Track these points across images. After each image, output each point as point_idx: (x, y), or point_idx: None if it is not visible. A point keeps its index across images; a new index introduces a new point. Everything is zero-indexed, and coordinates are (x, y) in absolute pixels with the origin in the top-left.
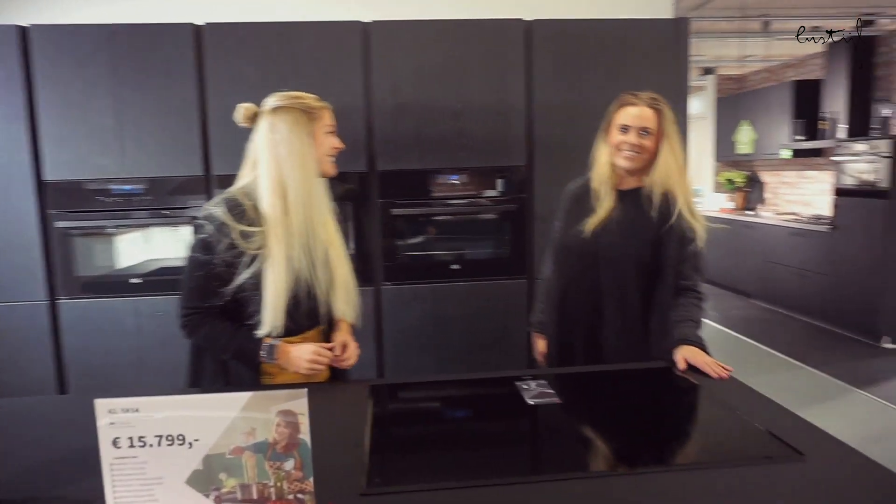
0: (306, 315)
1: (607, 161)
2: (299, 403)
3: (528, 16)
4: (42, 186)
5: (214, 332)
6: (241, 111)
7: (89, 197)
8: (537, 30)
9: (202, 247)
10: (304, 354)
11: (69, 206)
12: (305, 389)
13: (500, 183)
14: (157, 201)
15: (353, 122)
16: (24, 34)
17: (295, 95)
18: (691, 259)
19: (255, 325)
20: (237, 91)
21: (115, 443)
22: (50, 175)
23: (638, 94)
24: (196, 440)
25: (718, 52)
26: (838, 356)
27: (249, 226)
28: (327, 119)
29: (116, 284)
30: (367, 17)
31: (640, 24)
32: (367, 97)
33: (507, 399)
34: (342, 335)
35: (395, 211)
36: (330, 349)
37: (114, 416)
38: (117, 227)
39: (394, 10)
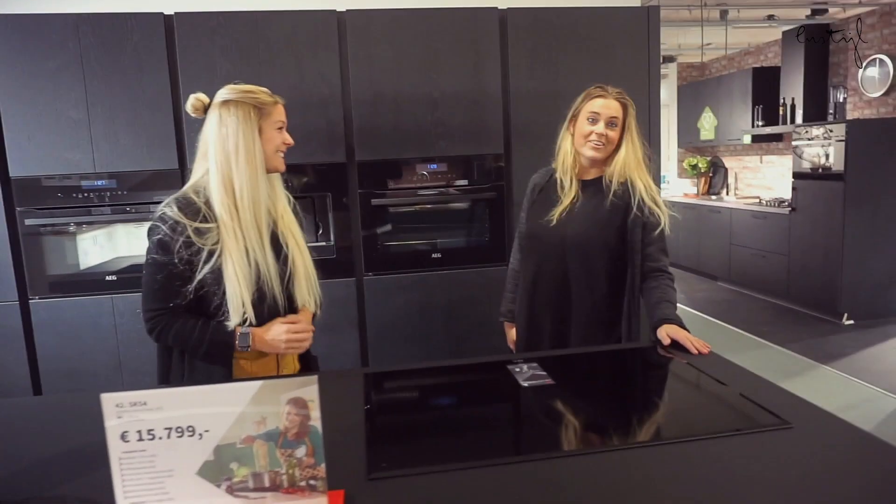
0: (269, 307)
1: (570, 151)
2: (310, 390)
3: (502, 4)
4: (7, 183)
5: (184, 330)
6: (192, 101)
7: (59, 193)
8: (512, 18)
9: (159, 248)
10: (279, 333)
11: (38, 202)
12: (316, 377)
13: (478, 171)
14: (131, 196)
15: (331, 113)
16: None
17: (247, 89)
18: (657, 242)
19: (223, 319)
20: (211, 81)
21: (123, 437)
22: (16, 171)
23: (606, 88)
24: (206, 431)
25: (679, 41)
26: (802, 334)
27: (203, 222)
28: (278, 115)
29: (90, 282)
30: (341, 6)
31: (612, 12)
32: (344, 87)
33: (502, 382)
34: (300, 316)
35: (375, 201)
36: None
37: (121, 411)
38: (89, 223)
39: None
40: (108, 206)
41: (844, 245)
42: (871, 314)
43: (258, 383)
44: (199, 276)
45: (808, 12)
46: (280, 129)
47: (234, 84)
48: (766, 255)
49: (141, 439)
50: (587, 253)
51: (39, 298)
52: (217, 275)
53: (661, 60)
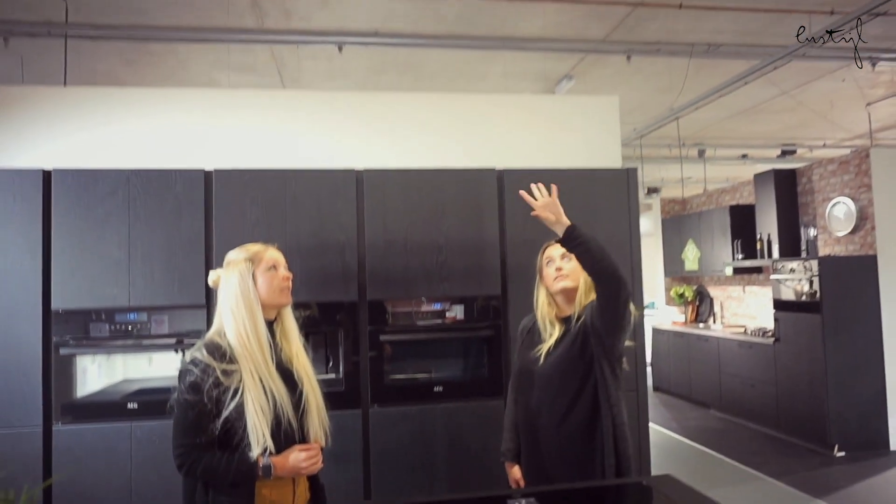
0: (285, 436)
1: (546, 299)
2: None
3: (499, 166)
4: (49, 315)
5: (212, 463)
6: (212, 277)
7: (94, 324)
8: (508, 177)
9: (191, 389)
10: (299, 459)
11: (73, 333)
12: None
13: (477, 310)
14: (160, 328)
15: (346, 257)
16: (47, 177)
17: (241, 248)
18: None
19: (245, 450)
20: (241, 228)
21: None
22: (57, 304)
23: (552, 240)
24: None
25: (662, 175)
26: (794, 465)
27: (229, 363)
28: (268, 258)
29: (110, 409)
30: (360, 166)
31: (596, 172)
32: (360, 234)
33: None
34: (312, 444)
35: (383, 337)
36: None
37: None
38: (121, 352)
39: (384, 159)
40: (139, 337)
41: (827, 375)
42: (861, 445)
43: None
44: (225, 413)
45: (779, 152)
46: (272, 268)
47: (236, 248)
48: (755, 384)
49: None
50: (570, 383)
51: (62, 425)
52: (240, 410)
53: (647, 192)
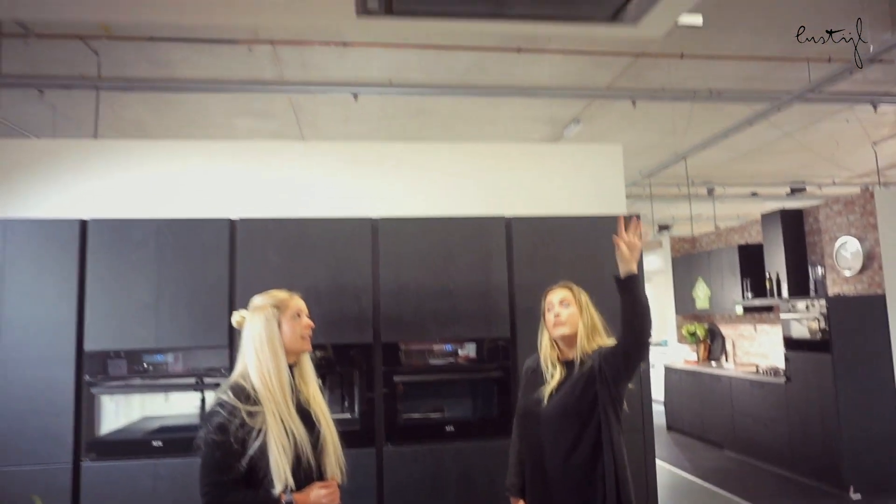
0: (304, 474)
1: (548, 343)
2: None
3: (507, 213)
4: (82, 356)
5: (238, 500)
6: (236, 318)
7: (123, 364)
8: (515, 225)
9: (218, 429)
10: (320, 495)
11: (104, 373)
12: None
13: (487, 352)
14: (186, 368)
15: (362, 301)
16: (83, 227)
17: (268, 294)
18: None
19: (268, 487)
20: (263, 273)
21: None
22: (90, 346)
23: (553, 285)
24: None
25: (672, 213)
26: None
27: (253, 405)
28: (294, 306)
29: (136, 447)
30: (375, 215)
31: (599, 219)
32: (374, 279)
33: None
34: (330, 482)
35: (397, 378)
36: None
37: None
38: (148, 391)
39: (398, 208)
40: (166, 376)
41: (839, 415)
42: (877, 487)
43: None
44: (250, 453)
45: (788, 190)
46: (298, 315)
47: (263, 293)
48: (767, 423)
49: None
50: (572, 425)
51: (90, 461)
52: (263, 449)
53: (658, 229)
